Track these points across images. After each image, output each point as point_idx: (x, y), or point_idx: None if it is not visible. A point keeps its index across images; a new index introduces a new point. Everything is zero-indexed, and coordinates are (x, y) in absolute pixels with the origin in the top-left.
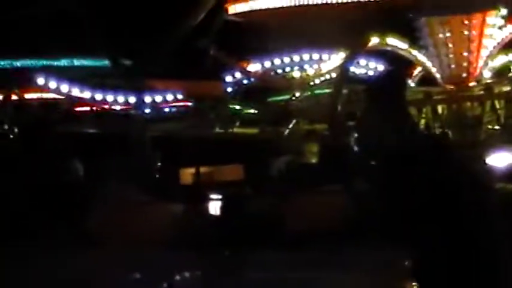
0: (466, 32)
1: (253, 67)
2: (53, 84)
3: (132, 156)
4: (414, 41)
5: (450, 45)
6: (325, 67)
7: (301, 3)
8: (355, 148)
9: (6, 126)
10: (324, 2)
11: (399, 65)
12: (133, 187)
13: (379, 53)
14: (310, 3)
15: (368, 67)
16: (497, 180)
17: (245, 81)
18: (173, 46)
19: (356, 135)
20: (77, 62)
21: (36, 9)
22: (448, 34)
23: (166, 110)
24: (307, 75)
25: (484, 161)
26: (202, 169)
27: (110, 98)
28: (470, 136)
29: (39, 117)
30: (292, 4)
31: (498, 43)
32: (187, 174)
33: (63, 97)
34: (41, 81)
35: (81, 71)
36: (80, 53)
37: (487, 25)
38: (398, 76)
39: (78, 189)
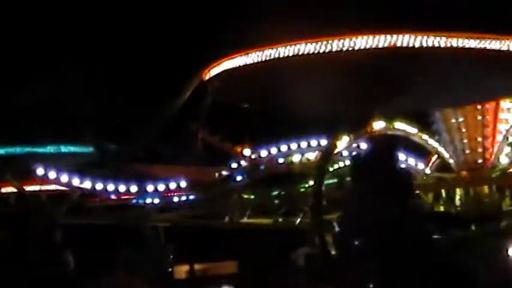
0: (479, 117)
1: (248, 152)
2: (52, 175)
3: (142, 247)
4: (426, 126)
5: (464, 130)
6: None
7: (272, 57)
8: (341, 226)
9: None
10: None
11: (385, 144)
12: (142, 279)
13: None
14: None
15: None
16: None
17: (251, 169)
18: (161, 129)
19: (343, 212)
20: (64, 149)
21: (24, 100)
22: (461, 119)
23: (175, 199)
24: (308, 160)
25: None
26: (213, 263)
27: (110, 187)
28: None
29: (34, 209)
30: (263, 59)
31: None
32: (192, 267)
33: (67, 188)
34: (40, 171)
35: (70, 159)
36: (67, 139)
37: (501, 110)
38: (380, 154)
39: (72, 280)
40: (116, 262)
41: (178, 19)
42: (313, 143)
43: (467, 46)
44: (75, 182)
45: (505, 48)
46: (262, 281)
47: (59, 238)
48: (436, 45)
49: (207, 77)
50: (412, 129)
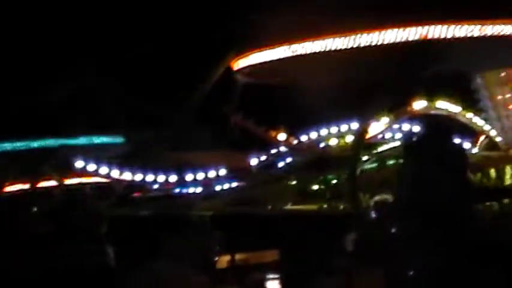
0: None
1: (283, 137)
2: (91, 167)
3: (188, 237)
4: (472, 104)
5: (511, 106)
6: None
7: (299, 52)
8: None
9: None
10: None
11: (440, 122)
12: (187, 269)
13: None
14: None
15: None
16: None
17: (292, 154)
18: (192, 115)
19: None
20: (96, 140)
21: (56, 92)
22: (508, 95)
23: (218, 187)
24: (346, 143)
25: None
26: (256, 251)
27: (150, 177)
28: None
29: (73, 199)
30: (291, 54)
31: None
32: (234, 256)
33: (108, 180)
34: (79, 164)
35: (104, 150)
36: (99, 130)
37: None
38: (437, 131)
39: (116, 271)
40: (161, 252)
41: (205, 4)
42: (354, 125)
43: (502, 33)
44: (115, 173)
45: None
46: (307, 269)
47: (104, 231)
48: (470, 35)
49: (236, 68)
50: (455, 108)
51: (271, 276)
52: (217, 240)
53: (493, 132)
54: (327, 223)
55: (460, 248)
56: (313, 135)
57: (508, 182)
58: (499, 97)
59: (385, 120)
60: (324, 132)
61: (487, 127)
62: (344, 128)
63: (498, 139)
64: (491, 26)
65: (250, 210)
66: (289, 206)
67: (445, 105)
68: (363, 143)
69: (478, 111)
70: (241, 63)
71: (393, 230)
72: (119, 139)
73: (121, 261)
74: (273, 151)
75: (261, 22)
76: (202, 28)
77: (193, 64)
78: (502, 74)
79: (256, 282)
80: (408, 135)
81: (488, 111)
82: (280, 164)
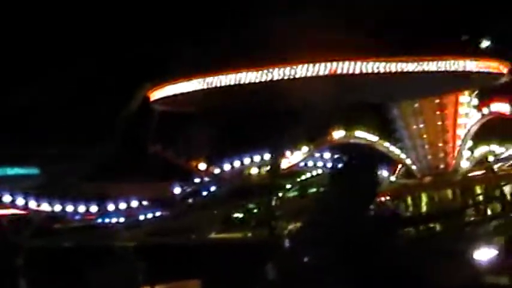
0: (439, 123)
1: (204, 166)
2: (7, 198)
3: (110, 268)
4: (389, 133)
5: (425, 136)
6: (285, 163)
7: (213, 85)
8: (313, 229)
9: None
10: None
11: (362, 153)
12: None
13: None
14: (225, 83)
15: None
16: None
17: (216, 183)
18: (111, 146)
19: (315, 216)
20: (10, 172)
21: None
22: (422, 125)
23: (141, 217)
24: (266, 172)
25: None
26: (181, 280)
27: (69, 208)
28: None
29: None
30: (205, 87)
31: (469, 130)
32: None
33: (25, 212)
34: None
35: (18, 181)
36: (13, 162)
37: (460, 115)
38: (359, 161)
39: None
40: (84, 283)
41: (122, 36)
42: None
43: (405, 70)
44: (32, 204)
45: (442, 68)
46: None
47: (21, 263)
48: (376, 71)
49: (152, 98)
50: (373, 137)
51: None
52: (141, 270)
53: (408, 161)
54: (250, 252)
55: (375, 275)
56: (236, 164)
57: (423, 208)
58: (414, 127)
59: (305, 149)
60: (247, 161)
61: (403, 156)
62: (266, 157)
63: (413, 167)
64: (395, 63)
65: (173, 239)
66: (213, 235)
67: (364, 135)
68: (278, 172)
69: (394, 141)
70: (157, 94)
71: (306, 259)
72: (33, 170)
73: None
74: (197, 180)
75: (178, 53)
76: (118, 59)
77: (111, 95)
78: (416, 105)
79: None
80: (335, 164)
81: (404, 140)
82: (204, 193)
